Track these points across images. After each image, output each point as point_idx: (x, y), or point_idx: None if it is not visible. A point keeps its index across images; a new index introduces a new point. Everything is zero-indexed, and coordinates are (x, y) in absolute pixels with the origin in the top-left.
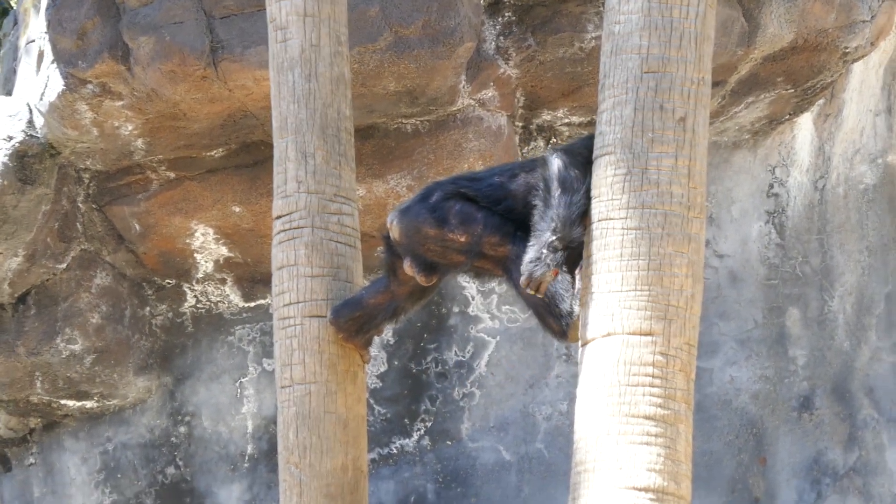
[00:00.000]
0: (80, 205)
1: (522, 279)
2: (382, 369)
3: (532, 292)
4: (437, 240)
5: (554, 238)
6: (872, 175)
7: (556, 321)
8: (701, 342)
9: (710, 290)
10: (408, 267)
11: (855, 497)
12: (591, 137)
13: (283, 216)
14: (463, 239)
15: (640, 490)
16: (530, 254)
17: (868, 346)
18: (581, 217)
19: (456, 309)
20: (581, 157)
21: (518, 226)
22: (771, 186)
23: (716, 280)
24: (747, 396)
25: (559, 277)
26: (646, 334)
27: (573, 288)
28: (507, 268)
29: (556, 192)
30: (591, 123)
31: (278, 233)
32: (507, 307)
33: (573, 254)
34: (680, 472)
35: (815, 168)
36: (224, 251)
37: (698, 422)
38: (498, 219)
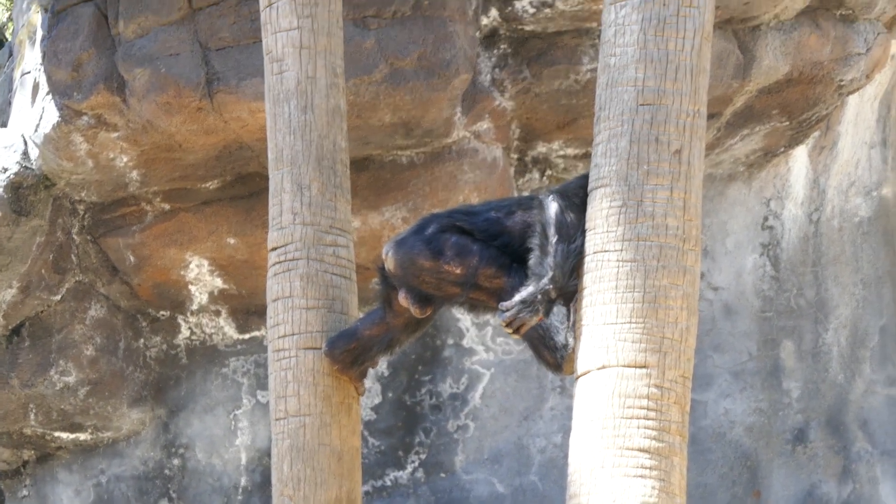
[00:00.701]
0: (74, 236)
1: (507, 316)
2: (377, 401)
3: (510, 332)
4: (433, 271)
5: (550, 287)
6: (867, 208)
7: (551, 353)
8: (695, 374)
9: (705, 322)
10: (403, 299)
11: None
12: (586, 177)
13: (279, 248)
14: (458, 271)
15: None
16: (523, 294)
17: (862, 378)
18: (577, 267)
19: (450, 341)
20: (577, 199)
21: (514, 258)
22: (766, 219)
23: (710, 312)
24: (741, 429)
25: (555, 310)
26: (640, 367)
27: (568, 321)
28: (503, 300)
29: (553, 238)
30: (587, 156)
31: (273, 264)
32: (502, 339)
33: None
34: (675, 502)
35: (810, 200)
36: (219, 283)
37: (692, 454)
38: (494, 251)
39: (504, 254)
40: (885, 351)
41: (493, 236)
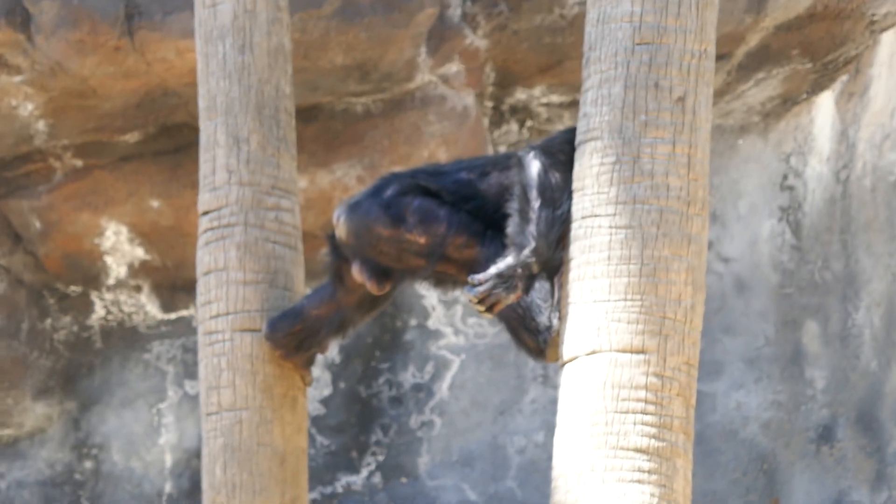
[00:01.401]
0: None
1: (479, 291)
2: (326, 393)
3: (481, 310)
4: (392, 240)
5: (532, 259)
6: None
7: (532, 337)
8: (702, 361)
9: (714, 299)
10: (357, 272)
11: None
12: (573, 130)
13: (211, 212)
14: (423, 240)
15: None
16: (500, 267)
17: None
18: (563, 236)
19: (413, 322)
20: (563, 156)
21: (488, 224)
22: (785, 178)
23: (720, 288)
24: (757, 426)
25: (536, 286)
26: (637, 352)
27: (552, 298)
28: (476, 273)
29: (535, 202)
30: (574, 104)
31: (205, 231)
32: (474, 320)
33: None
34: None
35: (837, 156)
36: (140, 253)
37: (699, 456)
38: (465, 216)
39: (477, 220)
40: None
41: (464, 199)
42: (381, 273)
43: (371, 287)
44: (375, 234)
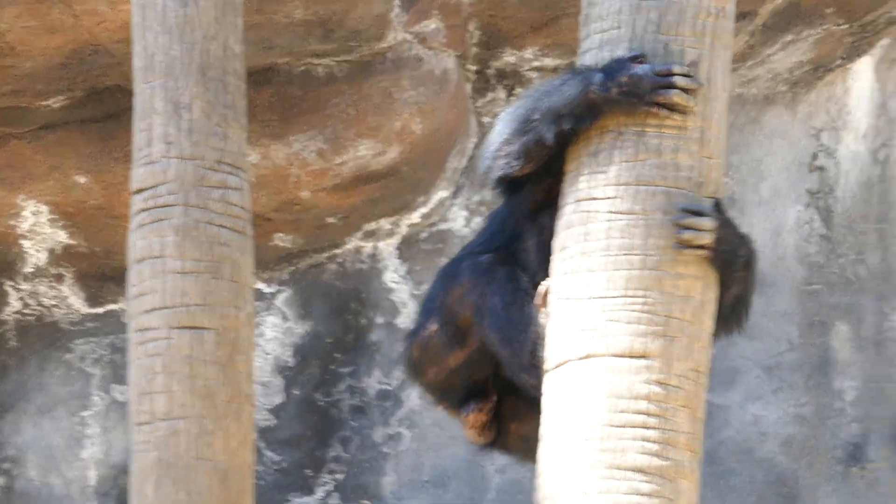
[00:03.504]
0: None
1: None
2: (278, 401)
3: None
4: None
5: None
6: None
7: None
8: (714, 369)
9: None
10: None
11: None
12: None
13: (146, 190)
14: None
15: None
16: None
17: None
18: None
19: (380, 319)
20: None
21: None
22: (815, 157)
23: None
24: (777, 443)
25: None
26: (638, 357)
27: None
28: None
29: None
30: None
31: (138, 212)
32: None
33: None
34: None
35: (876, 133)
36: (63, 237)
37: (708, 477)
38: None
39: None
40: None
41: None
42: None
43: None
44: None
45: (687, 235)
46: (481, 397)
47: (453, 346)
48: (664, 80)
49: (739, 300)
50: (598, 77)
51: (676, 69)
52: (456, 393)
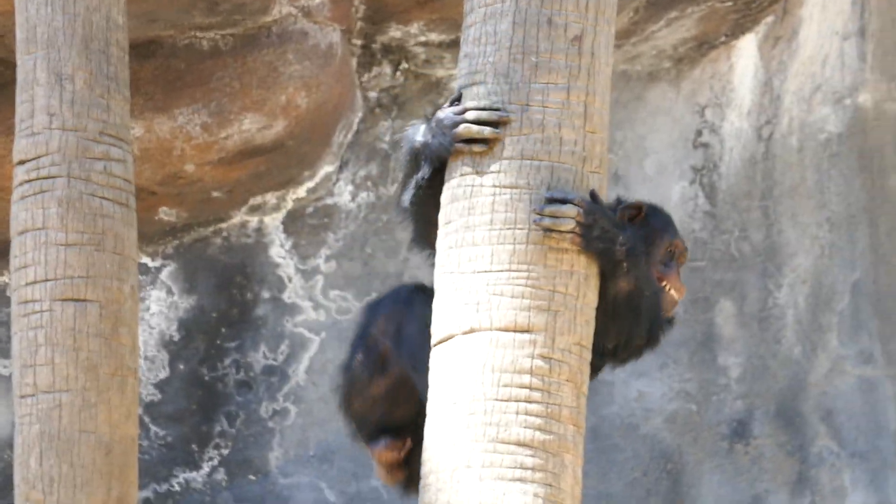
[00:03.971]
0: None
1: None
2: (162, 375)
3: None
4: None
5: None
6: (838, 121)
7: None
8: None
9: None
10: None
11: None
12: None
13: (28, 161)
14: None
15: None
16: None
17: (826, 353)
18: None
19: (266, 294)
20: None
21: None
22: (699, 134)
23: None
24: (661, 419)
25: None
26: (522, 331)
27: None
28: None
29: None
30: (456, 43)
31: (21, 184)
32: (337, 292)
33: None
34: None
35: (760, 110)
36: None
37: (592, 453)
38: None
39: None
40: (857, 315)
41: None
42: None
43: None
44: None
45: (546, 223)
46: (396, 435)
47: (374, 375)
48: (461, 118)
49: (633, 303)
50: (420, 129)
51: (470, 104)
52: (373, 425)
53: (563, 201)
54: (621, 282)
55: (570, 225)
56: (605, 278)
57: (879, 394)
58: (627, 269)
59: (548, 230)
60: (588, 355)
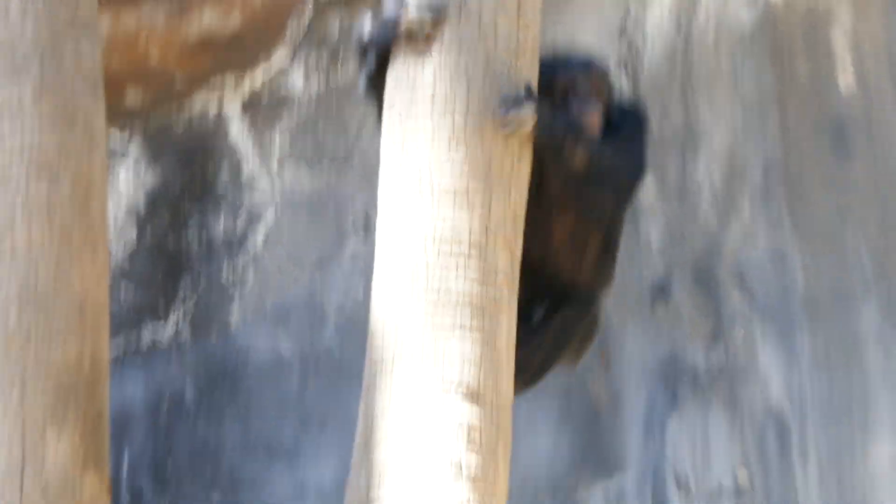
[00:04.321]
0: None
1: None
2: (130, 245)
3: None
4: None
5: None
6: (751, 16)
7: None
8: None
9: None
10: None
11: (719, 406)
12: None
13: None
14: None
15: (450, 389)
16: None
17: (739, 222)
18: None
19: (226, 170)
20: None
21: None
22: (624, 28)
23: None
24: None
25: None
26: (462, 199)
27: None
28: None
29: None
30: None
31: None
32: (292, 167)
33: None
34: (501, 369)
35: (679, 4)
36: None
37: None
38: None
39: None
40: (768, 188)
41: None
42: None
43: None
44: None
45: (509, 130)
46: None
47: None
48: (403, 12)
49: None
50: (367, 22)
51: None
52: None
53: (517, 101)
54: (576, 161)
55: (529, 126)
56: (558, 162)
57: (788, 260)
58: (576, 148)
59: (510, 133)
60: (521, 225)
